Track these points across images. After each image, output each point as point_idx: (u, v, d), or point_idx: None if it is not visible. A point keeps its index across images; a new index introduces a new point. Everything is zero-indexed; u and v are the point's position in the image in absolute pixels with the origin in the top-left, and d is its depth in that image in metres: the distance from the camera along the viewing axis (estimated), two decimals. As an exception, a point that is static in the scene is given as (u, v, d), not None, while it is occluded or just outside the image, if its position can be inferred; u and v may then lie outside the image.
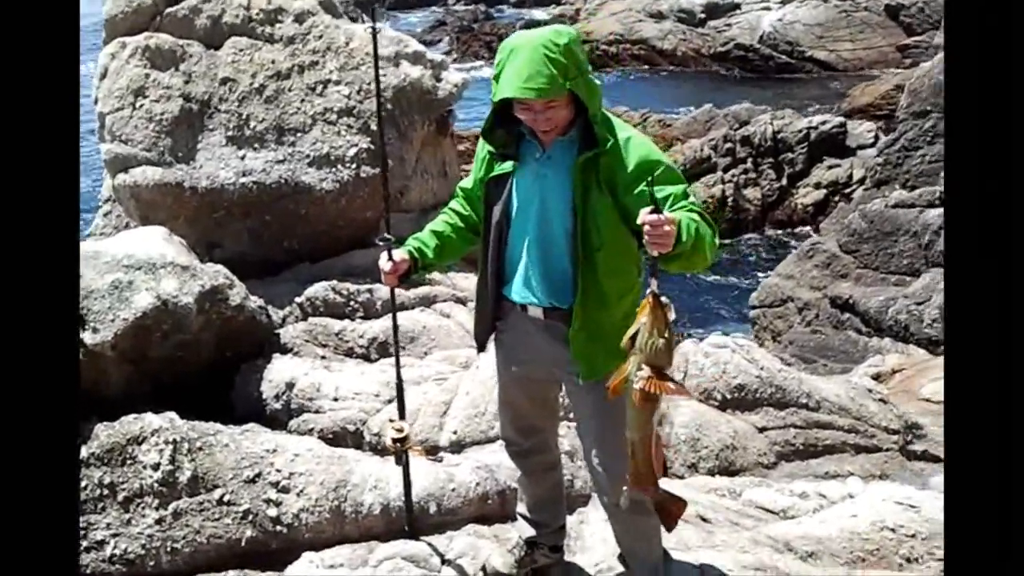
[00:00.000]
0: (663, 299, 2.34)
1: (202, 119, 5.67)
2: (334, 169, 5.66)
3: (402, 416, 3.49)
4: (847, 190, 14.72)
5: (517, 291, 2.90)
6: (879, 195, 10.24)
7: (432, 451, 4.32)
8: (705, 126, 17.66)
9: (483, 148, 2.91)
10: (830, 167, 15.66)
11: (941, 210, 9.01)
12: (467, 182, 3.08)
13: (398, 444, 3.39)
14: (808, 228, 14.76)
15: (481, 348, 3.19)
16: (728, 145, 16.09)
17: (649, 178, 2.48)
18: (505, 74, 2.57)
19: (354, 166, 5.67)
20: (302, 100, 5.76)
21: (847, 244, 9.67)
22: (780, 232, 15.32)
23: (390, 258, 2.97)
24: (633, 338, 2.38)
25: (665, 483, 4.38)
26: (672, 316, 2.35)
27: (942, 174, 9.31)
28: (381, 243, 3.01)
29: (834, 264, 9.70)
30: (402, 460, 3.48)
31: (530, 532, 3.46)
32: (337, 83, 5.79)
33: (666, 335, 2.34)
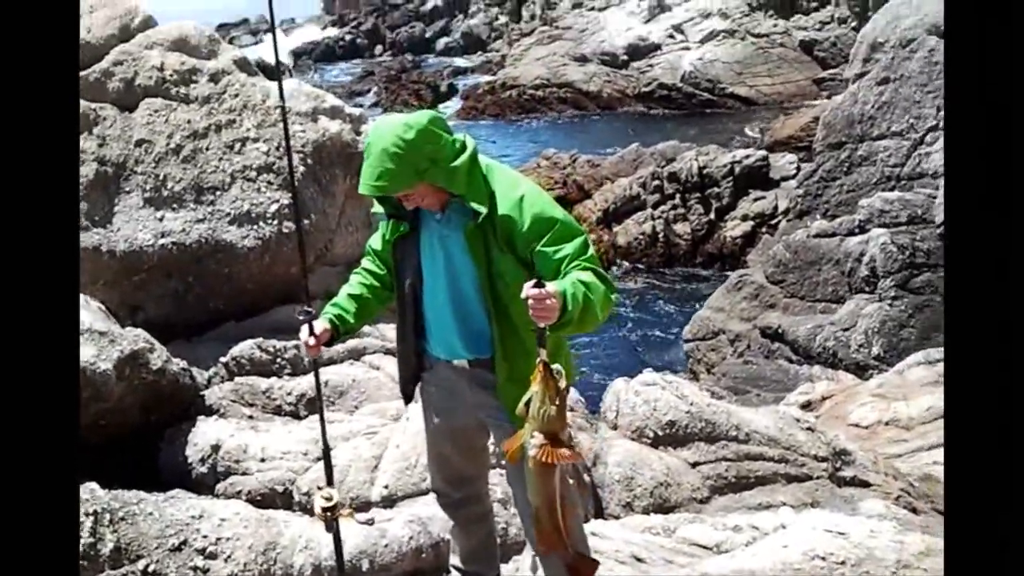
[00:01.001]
0: (553, 367, 2.41)
1: (118, 182, 5.59)
2: (256, 226, 5.62)
3: (330, 482, 3.42)
4: (773, 221, 15.07)
5: (440, 349, 2.94)
6: (802, 225, 10.53)
7: (364, 508, 4.26)
8: (633, 165, 17.99)
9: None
10: (756, 199, 16.03)
11: (861, 237, 9.29)
12: (375, 241, 3.08)
13: (328, 513, 3.31)
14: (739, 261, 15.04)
15: (408, 400, 3.18)
16: (656, 182, 16.40)
17: (533, 246, 2.62)
18: (363, 168, 2.66)
19: (276, 222, 5.63)
20: (220, 159, 5.72)
21: (773, 275, 9.90)
22: (711, 267, 15.60)
23: (311, 331, 2.93)
24: (527, 404, 2.44)
25: (601, 524, 4.42)
26: (563, 384, 2.42)
27: (860, 202, 9.61)
28: (301, 316, 2.99)
29: (762, 295, 9.91)
30: (332, 528, 3.40)
31: None
32: (255, 140, 5.77)
33: (557, 402, 2.40)
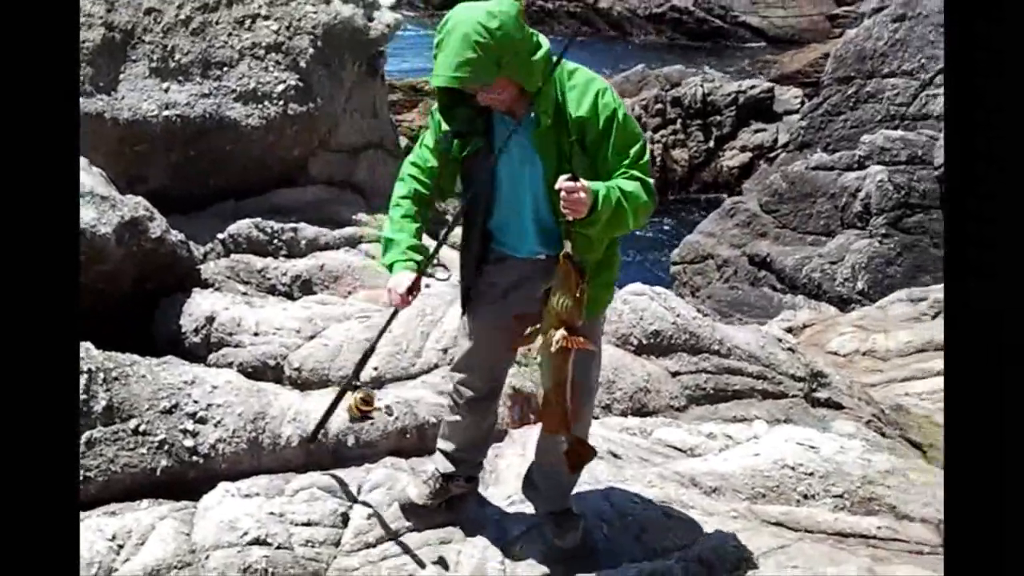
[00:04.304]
0: (575, 259, 2.54)
1: (125, 49, 5.53)
2: (261, 105, 5.59)
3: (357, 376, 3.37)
4: (772, 154, 15.04)
5: (515, 248, 2.96)
6: (801, 157, 10.53)
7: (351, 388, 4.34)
8: (637, 86, 17.79)
9: (439, 121, 2.86)
10: (756, 131, 15.98)
11: (858, 173, 9.33)
12: (419, 156, 2.97)
13: (362, 412, 3.31)
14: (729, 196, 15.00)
15: (465, 305, 3.15)
16: (659, 106, 16.29)
17: (600, 146, 2.66)
18: (439, 56, 2.56)
19: (281, 103, 5.61)
20: (229, 34, 5.66)
21: (768, 204, 9.96)
22: (705, 195, 15.62)
23: (413, 286, 2.85)
24: (546, 293, 2.58)
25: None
26: (585, 277, 2.56)
27: (862, 138, 9.61)
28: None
29: (754, 223, 9.99)
30: (359, 423, 3.42)
31: (450, 468, 3.45)
32: (266, 18, 5.70)
33: (577, 294, 2.54)
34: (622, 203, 2.59)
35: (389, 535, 3.51)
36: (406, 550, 3.43)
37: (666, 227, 14.50)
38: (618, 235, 2.82)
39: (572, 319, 2.57)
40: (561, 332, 2.55)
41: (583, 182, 2.49)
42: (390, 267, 2.92)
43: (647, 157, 2.76)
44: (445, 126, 2.82)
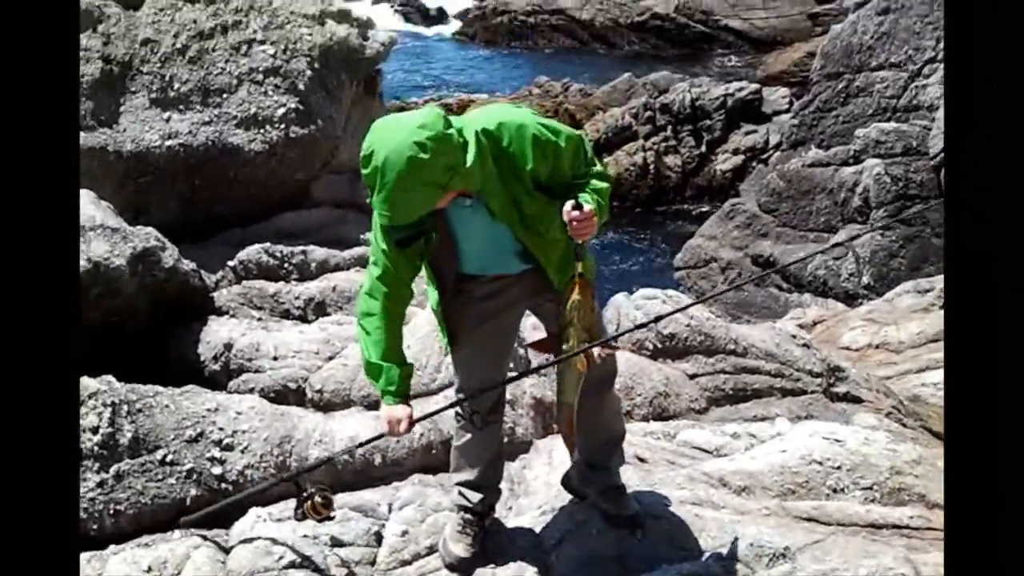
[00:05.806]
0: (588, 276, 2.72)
1: (124, 81, 5.54)
2: (262, 130, 5.61)
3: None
4: (764, 155, 15.09)
5: (497, 271, 2.97)
6: (796, 155, 10.56)
7: (374, 406, 4.34)
8: (625, 95, 17.87)
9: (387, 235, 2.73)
10: (747, 133, 16.02)
11: (855, 167, 9.36)
12: (384, 267, 2.79)
13: (317, 513, 3.12)
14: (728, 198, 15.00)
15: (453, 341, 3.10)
16: (648, 113, 16.33)
17: (527, 190, 2.68)
18: (377, 197, 2.46)
19: (283, 126, 5.62)
20: (226, 60, 5.68)
21: (766, 204, 9.98)
22: (700, 199, 15.66)
23: (410, 422, 2.88)
24: (568, 312, 2.70)
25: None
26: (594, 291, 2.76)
27: (856, 132, 9.66)
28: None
29: (754, 224, 10.00)
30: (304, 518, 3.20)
31: (477, 496, 3.37)
32: (262, 42, 5.73)
33: (594, 307, 2.78)
34: (601, 204, 2.71)
35: (424, 552, 3.49)
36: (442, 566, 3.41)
37: (665, 234, 14.53)
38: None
39: (595, 332, 2.75)
40: (599, 350, 2.74)
41: (586, 206, 2.58)
42: (381, 392, 2.89)
43: (589, 149, 2.82)
44: (395, 236, 2.68)
